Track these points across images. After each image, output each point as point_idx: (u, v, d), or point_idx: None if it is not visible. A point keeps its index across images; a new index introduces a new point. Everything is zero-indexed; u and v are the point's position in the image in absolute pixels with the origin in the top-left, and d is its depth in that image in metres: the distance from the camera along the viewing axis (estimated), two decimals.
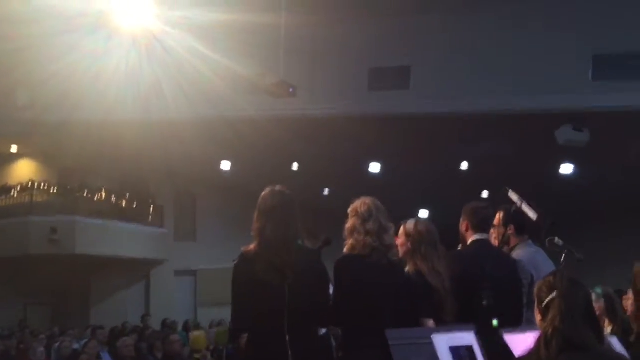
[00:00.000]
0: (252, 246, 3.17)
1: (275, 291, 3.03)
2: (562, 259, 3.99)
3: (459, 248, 3.94)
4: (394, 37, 11.15)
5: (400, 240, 3.61)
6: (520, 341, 2.71)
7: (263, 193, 3.27)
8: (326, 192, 16.99)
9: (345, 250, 3.37)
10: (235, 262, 3.15)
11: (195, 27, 9.30)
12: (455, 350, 2.81)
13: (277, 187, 3.30)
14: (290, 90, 9.94)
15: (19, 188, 15.72)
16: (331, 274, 3.34)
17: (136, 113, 11.51)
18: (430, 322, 3.35)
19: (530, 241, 4.09)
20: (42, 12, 8.82)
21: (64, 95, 10.84)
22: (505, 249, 4.04)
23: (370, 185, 14.35)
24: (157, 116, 11.57)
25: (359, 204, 3.39)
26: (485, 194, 13.54)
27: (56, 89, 10.59)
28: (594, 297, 5.48)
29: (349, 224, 3.37)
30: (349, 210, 3.42)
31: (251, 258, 3.11)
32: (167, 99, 10.66)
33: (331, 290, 3.38)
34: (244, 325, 3.19)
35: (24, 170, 16.79)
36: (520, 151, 13.00)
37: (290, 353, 2.97)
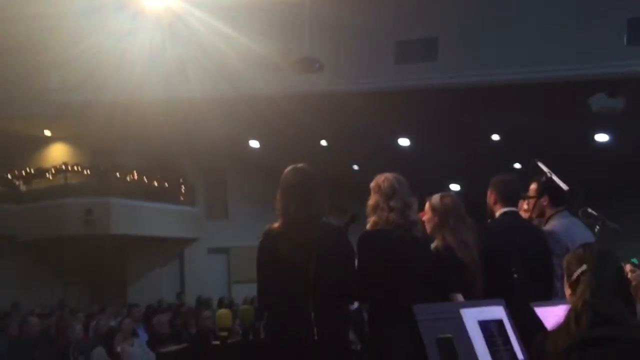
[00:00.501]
0: (276, 224, 3.16)
1: (299, 269, 3.02)
2: (596, 230, 3.89)
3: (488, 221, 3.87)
4: (420, 8, 10.94)
5: (427, 215, 3.56)
6: (552, 314, 2.66)
7: (285, 171, 3.24)
8: (356, 167, 16.94)
9: (368, 227, 3.33)
10: (259, 240, 3.14)
11: (218, 6, 9.27)
12: (484, 325, 2.77)
13: (300, 165, 3.27)
14: (317, 65, 9.87)
15: (53, 171, 16.02)
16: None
17: (159, 92, 11.57)
18: (459, 297, 3.31)
19: (566, 212, 3.98)
20: None
21: (90, 75, 10.93)
22: (540, 220, 3.95)
23: (400, 160, 14.29)
24: (180, 95, 11.60)
25: (381, 180, 3.35)
26: (517, 166, 13.33)
27: (83, 69, 10.68)
28: (629, 267, 5.36)
29: (371, 201, 3.34)
30: (371, 185, 3.38)
31: (275, 236, 3.10)
32: (190, 78, 10.68)
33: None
34: (269, 303, 3.19)
35: (57, 153, 17.11)
36: (554, 121, 12.72)
37: (315, 330, 2.96)
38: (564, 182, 3.55)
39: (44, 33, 9.76)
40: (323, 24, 10.43)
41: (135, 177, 16.58)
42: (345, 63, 11.38)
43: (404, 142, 15.06)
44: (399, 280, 3.20)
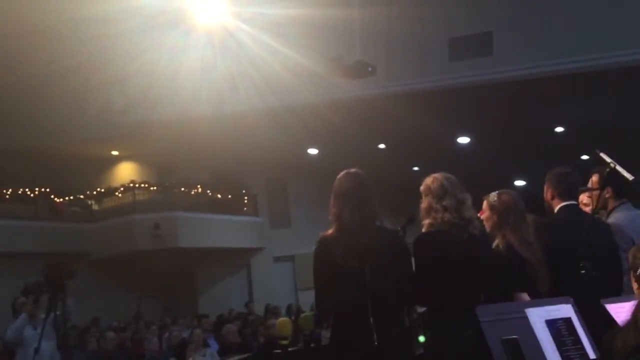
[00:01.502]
0: (330, 230, 3.15)
1: (355, 275, 3.00)
2: None
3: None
4: (471, 2, 10.77)
5: (485, 214, 3.48)
6: (623, 310, 2.55)
7: (338, 176, 3.23)
8: (416, 168, 16.77)
9: (423, 230, 3.28)
10: (315, 248, 3.15)
11: (267, 22, 9.41)
12: (551, 324, 2.69)
13: (352, 169, 3.25)
14: (369, 69, 9.85)
15: (122, 189, 16.61)
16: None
17: (211, 108, 11.80)
18: (524, 296, 3.21)
19: (629, 204, 3.81)
20: (125, 12, 9.16)
21: (145, 93, 11.25)
22: (602, 213, 3.80)
23: (460, 158, 14.07)
24: (231, 110, 11.79)
25: (430, 181, 3.30)
26: (585, 157, 12.88)
27: (139, 87, 11.00)
28: None
29: (424, 204, 3.28)
30: (421, 188, 3.33)
31: (329, 243, 3.09)
32: (239, 93, 10.83)
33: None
34: (327, 310, 3.19)
35: (125, 172, 17.74)
36: (621, 109, 12.23)
37: (375, 335, 2.94)
38: (629, 172, 3.39)
39: (102, 53, 10.13)
40: (373, 29, 10.42)
41: (200, 190, 16.99)
42: (398, 64, 11.32)
43: (463, 140, 14.81)
44: (457, 281, 3.14)
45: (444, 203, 3.19)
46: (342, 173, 3.24)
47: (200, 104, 11.53)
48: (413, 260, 3.21)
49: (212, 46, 9.93)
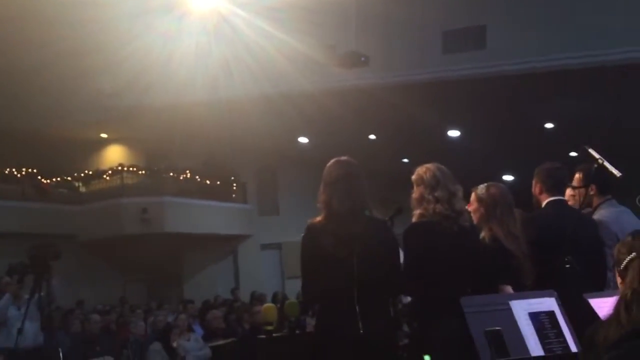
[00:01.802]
0: (318, 218, 3.13)
1: (343, 263, 2.99)
2: None
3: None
4: None
5: (472, 206, 3.48)
6: (606, 305, 2.57)
7: (328, 164, 3.21)
8: (406, 160, 16.80)
9: (414, 220, 3.27)
10: (302, 235, 3.14)
11: (263, 6, 9.33)
12: (534, 316, 2.70)
13: (343, 157, 3.24)
14: (362, 59, 9.82)
15: (110, 172, 16.52)
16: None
17: (205, 93, 11.74)
18: (508, 288, 3.23)
19: (614, 200, 3.84)
20: None
21: (138, 78, 11.18)
22: (588, 210, 3.83)
23: (450, 151, 14.10)
24: (225, 95, 11.74)
25: (423, 171, 3.29)
26: (573, 154, 12.94)
27: (132, 72, 10.93)
28: None
29: (415, 194, 3.27)
30: (413, 178, 3.32)
31: (318, 230, 3.08)
32: (234, 79, 10.78)
33: (402, 259, 3.32)
34: (313, 298, 3.19)
35: (113, 155, 17.63)
36: (614, 107, 12.29)
37: (360, 324, 2.95)
38: (617, 168, 3.41)
39: (93, 37, 10.04)
40: (368, 18, 10.38)
41: (189, 176, 16.94)
42: (392, 55, 11.30)
43: (453, 133, 14.84)
44: (446, 272, 3.14)
45: (436, 194, 3.18)
46: (332, 160, 3.23)
47: (193, 89, 11.47)
48: (402, 250, 3.21)
49: (206, 31, 9.85)
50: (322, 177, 3.19)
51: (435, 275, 3.14)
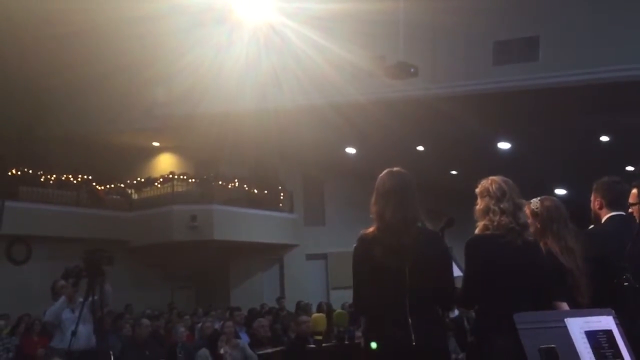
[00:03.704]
0: (371, 229, 3.13)
1: (395, 274, 2.98)
2: None
3: (591, 227, 3.67)
4: (518, 6, 10.59)
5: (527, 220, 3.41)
6: None
7: (381, 175, 3.20)
8: (454, 172, 16.60)
9: (477, 231, 3.22)
10: (354, 246, 3.14)
11: (312, 18, 9.43)
12: (591, 335, 2.62)
13: (395, 168, 3.23)
14: (412, 70, 9.78)
15: (161, 180, 16.89)
16: (460, 255, 3.23)
17: (255, 103, 11.90)
18: (564, 305, 3.14)
19: None
20: (172, 9, 9.35)
21: (191, 88, 11.45)
22: None
23: (500, 164, 13.86)
24: (274, 105, 11.87)
25: (489, 184, 3.22)
26: (630, 169, 12.55)
27: (184, 82, 11.21)
28: None
29: (480, 205, 3.21)
30: (478, 190, 3.26)
31: (370, 241, 3.07)
32: (283, 89, 10.90)
33: (456, 272, 3.27)
34: (364, 308, 3.17)
35: (165, 163, 18.05)
36: None
37: (413, 335, 2.92)
38: None
39: (149, 50, 10.35)
40: (418, 28, 10.33)
41: (237, 185, 17.16)
42: (441, 66, 11.21)
43: (504, 145, 14.59)
44: (508, 287, 3.08)
45: (502, 206, 3.12)
46: (385, 171, 3.22)
47: (243, 99, 11.65)
48: (455, 262, 3.17)
49: (256, 42, 10.01)
50: (374, 188, 3.19)
51: (495, 289, 3.08)
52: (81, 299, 6.24)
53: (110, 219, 16.04)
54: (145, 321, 8.64)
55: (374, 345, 2.94)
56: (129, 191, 17.32)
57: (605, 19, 10.31)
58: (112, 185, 17.19)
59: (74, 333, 6.02)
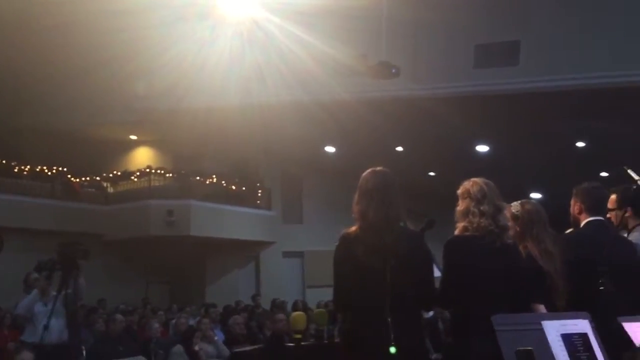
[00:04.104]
0: (353, 228, 3.12)
1: (376, 273, 2.97)
2: None
3: (568, 231, 3.71)
4: (500, 10, 10.68)
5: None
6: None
7: (364, 174, 3.20)
8: (432, 173, 16.71)
9: (456, 232, 3.23)
10: (336, 244, 3.13)
11: (295, 13, 9.40)
12: (567, 338, 2.65)
13: (379, 168, 3.23)
14: (393, 70, 9.80)
15: (137, 173, 16.71)
16: (438, 256, 3.24)
17: (238, 99, 11.85)
18: (542, 308, 3.18)
19: None
20: (154, 3, 9.25)
21: (174, 83, 11.38)
22: (623, 232, 3.76)
23: (478, 166, 13.95)
24: (258, 101, 11.83)
25: (470, 185, 3.25)
26: (604, 174, 12.76)
27: (167, 77, 11.13)
28: None
29: (461, 207, 3.23)
30: (459, 192, 3.28)
31: (352, 240, 3.07)
32: (267, 84, 10.87)
33: (436, 273, 3.28)
34: (345, 307, 3.16)
35: (142, 157, 17.87)
36: None
37: (392, 336, 2.92)
38: None
39: (131, 44, 10.23)
40: (400, 28, 10.37)
41: (215, 180, 17.06)
42: (422, 67, 11.26)
43: (482, 148, 14.72)
44: (484, 289, 3.10)
45: (482, 208, 3.14)
46: (368, 170, 3.22)
47: (228, 94, 11.59)
48: (435, 263, 3.18)
49: (240, 37, 9.95)
50: (355, 187, 3.18)
51: (473, 291, 3.10)
52: (54, 293, 6.15)
53: (85, 212, 15.83)
54: (119, 316, 8.53)
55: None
56: (105, 184, 17.11)
57: (585, 26, 10.44)
58: (88, 178, 16.96)
59: (46, 327, 5.95)
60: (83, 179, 16.81)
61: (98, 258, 15.83)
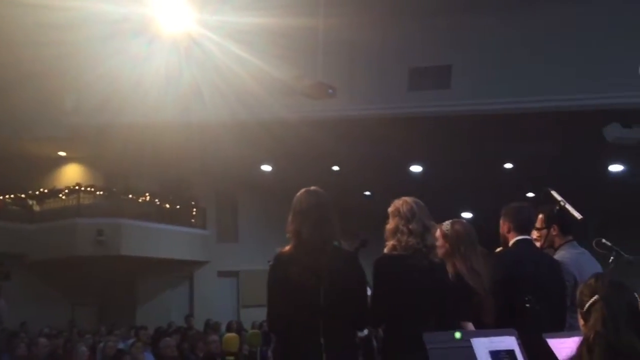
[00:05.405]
0: (287, 247, 3.12)
1: (310, 293, 2.97)
2: (610, 261, 3.83)
3: (498, 250, 3.83)
4: (434, 35, 11.01)
5: (438, 242, 3.52)
6: (564, 346, 2.61)
7: (298, 194, 3.21)
8: (368, 193, 16.91)
9: (385, 250, 3.28)
10: (270, 264, 3.11)
11: (233, 31, 9.37)
12: (495, 354, 2.71)
13: (313, 187, 3.25)
14: (330, 91, 9.89)
15: (66, 191, 16.14)
16: (369, 275, 3.27)
17: (175, 116, 11.69)
18: (470, 325, 3.25)
19: (574, 242, 3.94)
20: (87, 18, 9.03)
21: (107, 99, 11.10)
22: (549, 250, 3.91)
23: (412, 186, 14.23)
24: (196, 119, 11.71)
25: (400, 204, 3.30)
26: (530, 195, 13.24)
27: (100, 93, 10.85)
28: None
29: (390, 225, 3.28)
30: (390, 210, 3.33)
31: (286, 260, 3.06)
32: (205, 102, 10.78)
33: (368, 292, 3.31)
34: (278, 327, 3.14)
35: (71, 174, 17.25)
36: (568, 150, 12.66)
37: (324, 356, 2.91)
38: (578, 211, 3.51)
39: (61, 59, 9.95)
40: (337, 49, 10.49)
41: (147, 199, 16.67)
42: (358, 88, 11.43)
43: (416, 168, 15.04)
44: (412, 307, 3.15)
45: (411, 227, 3.19)
46: (302, 190, 3.22)
47: (164, 111, 11.39)
48: (371, 280, 3.21)
49: (177, 53, 9.83)
50: (290, 206, 3.17)
51: (401, 309, 3.14)
52: None
53: (7, 231, 15.12)
54: (43, 340, 8.17)
55: None
56: (30, 202, 16.42)
57: (513, 52, 10.88)
58: (12, 196, 16.23)
59: None
60: (6, 196, 16.08)
61: (20, 279, 15.19)
